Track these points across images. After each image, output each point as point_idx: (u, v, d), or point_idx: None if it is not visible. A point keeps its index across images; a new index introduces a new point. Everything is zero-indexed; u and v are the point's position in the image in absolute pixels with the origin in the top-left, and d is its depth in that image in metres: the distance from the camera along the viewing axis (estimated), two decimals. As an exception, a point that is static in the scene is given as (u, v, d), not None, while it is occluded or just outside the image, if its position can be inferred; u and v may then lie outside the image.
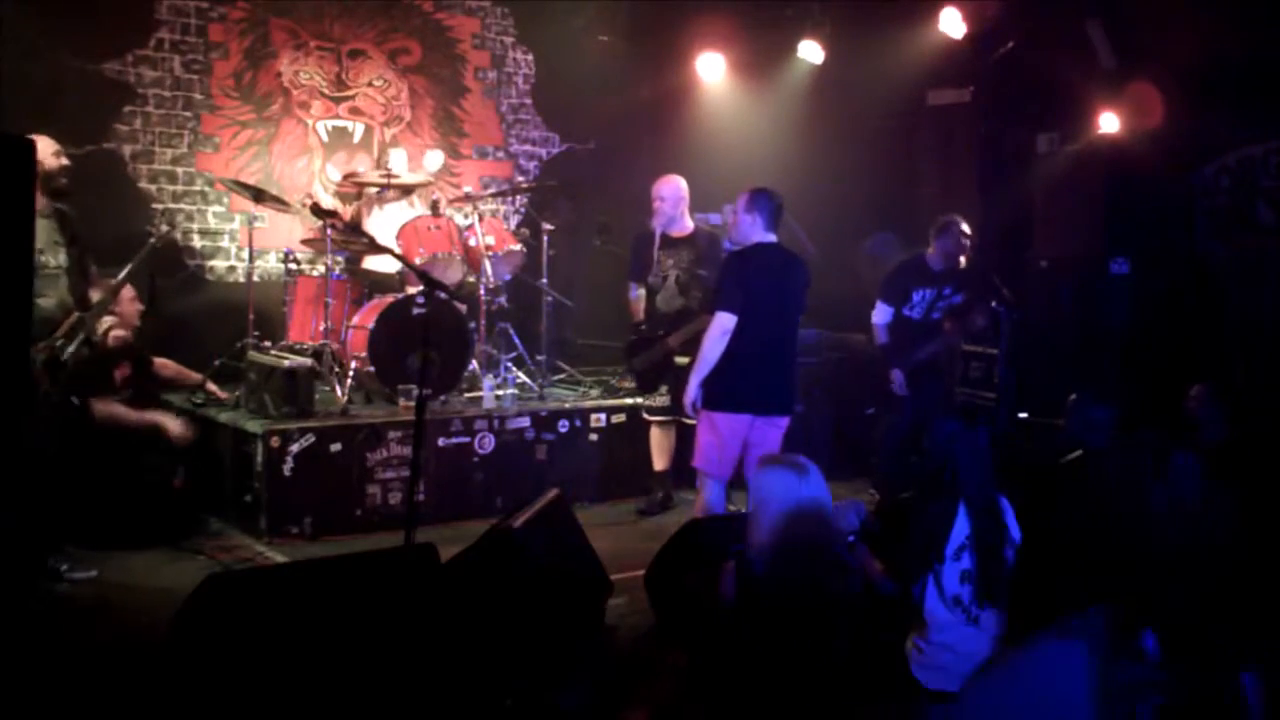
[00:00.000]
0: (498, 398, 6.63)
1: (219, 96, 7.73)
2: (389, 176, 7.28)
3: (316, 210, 6.46)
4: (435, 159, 7.91)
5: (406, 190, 7.57)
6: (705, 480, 5.09)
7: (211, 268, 7.79)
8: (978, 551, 3.46)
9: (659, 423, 6.47)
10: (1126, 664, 1.78)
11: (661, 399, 6.36)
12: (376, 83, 8.29)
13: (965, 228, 6.48)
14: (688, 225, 6.42)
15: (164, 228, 6.09)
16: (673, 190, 6.36)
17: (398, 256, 5.89)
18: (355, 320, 6.62)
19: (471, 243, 7.05)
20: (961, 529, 3.49)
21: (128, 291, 5.84)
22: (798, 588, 3.24)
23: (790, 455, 3.46)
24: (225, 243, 7.83)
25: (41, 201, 4.73)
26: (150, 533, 5.59)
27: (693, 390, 4.98)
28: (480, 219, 7.13)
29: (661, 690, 3.44)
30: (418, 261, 6.61)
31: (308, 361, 6.21)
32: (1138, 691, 1.80)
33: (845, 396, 7.67)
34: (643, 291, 6.52)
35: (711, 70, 8.41)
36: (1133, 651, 1.82)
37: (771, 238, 5.05)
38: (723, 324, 4.86)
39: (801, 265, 5.24)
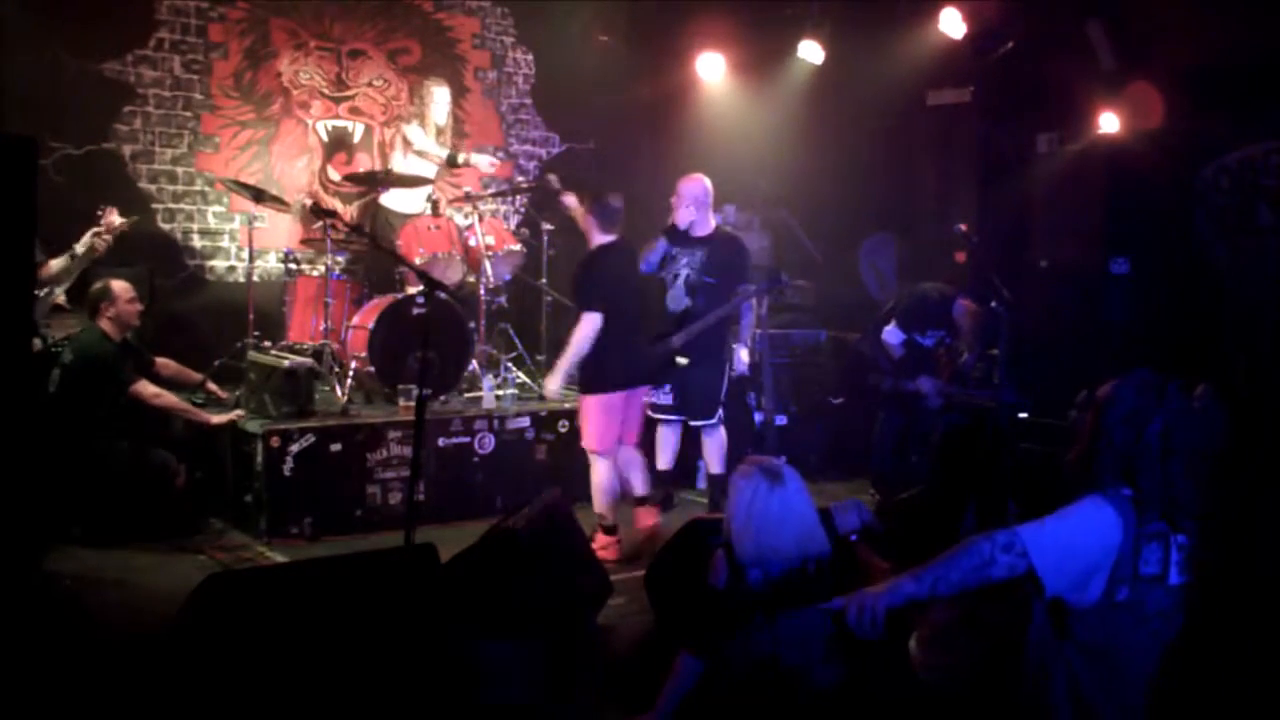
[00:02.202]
0: (498, 398, 6.63)
1: (219, 96, 7.73)
2: (388, 174, 7.28)
3: (317, 210, 6.46)
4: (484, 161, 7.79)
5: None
6: (596, 460, 5.61)
7: (211, 268, 7.79)
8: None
9: (664, 421, 6.47)
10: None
11: (665, 398, 6.36)
12: (376, 83, 8.29)
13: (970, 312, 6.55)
14: (708, 227, 6.37)
15: (115, 220, 5.96)
16: (690, 189, 6.26)
17: (398, 257, 5.89)
18: (355, 320, 6.62)
19: (471, 243, 7.05)
20: (968, 526, 3.50)
21: (126, 291, 5.84)
22: (779, 584, 3.25)
23: (767, 460, 3.45)
24: (225, 243, 7.83)
25: None
26: (151, 532, 5.59)
27: (560, 381, 5.58)
28: (480, 219, 7.12)
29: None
30: (418, 261, 6.61)
31: (308, 361, 6.20)
32: (1149, 538, 2.56)
33: (845, 396, 7.67)
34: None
35: (711, 70, 8.40)
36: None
37: (609, 237, 5.68)
38: (594, 323, 5.46)
39: (634, 251, 5.93)
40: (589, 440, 5.62)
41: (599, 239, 5.68)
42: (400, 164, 7.50)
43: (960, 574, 2.54)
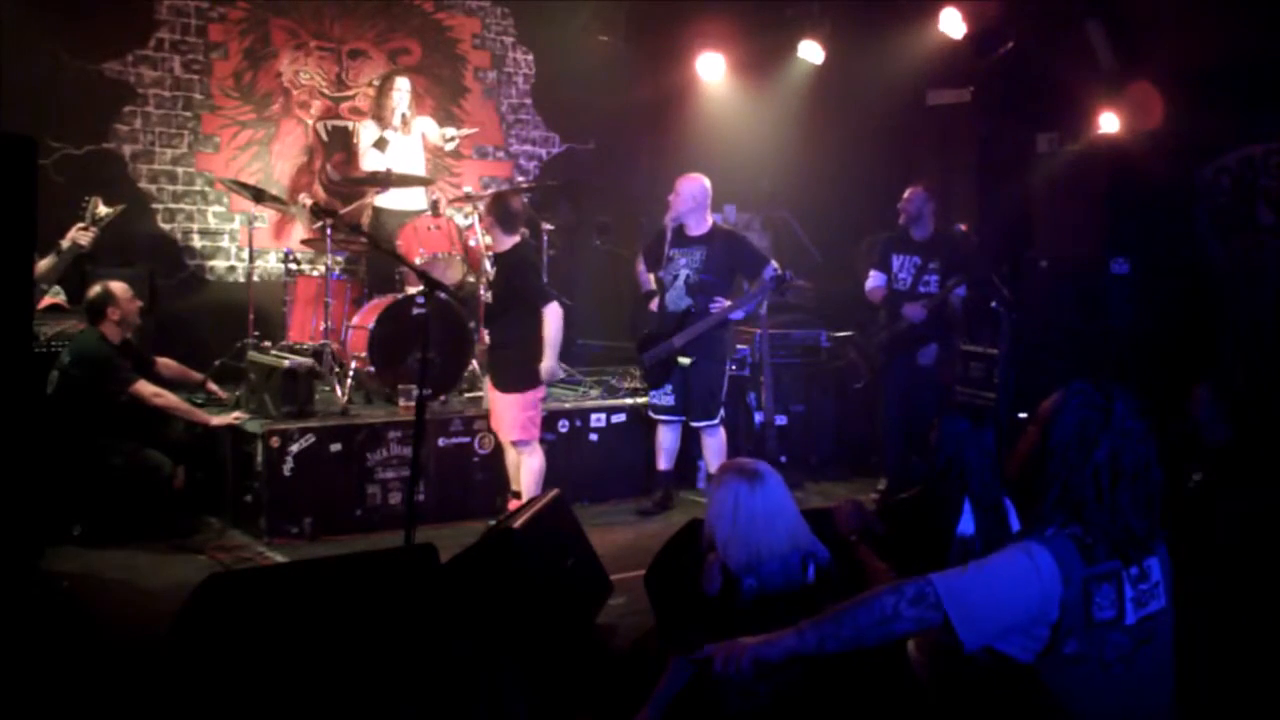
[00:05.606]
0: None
1: (219, 96, 7.73)
2: (388, 174, 7.27)
3: (317, 210, 6.45)
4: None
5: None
6: (534, 448, 5.75)
7: (211, 268, 7.80)
8: (982, 550, 3.46)
9: (665, 422, 6.47)
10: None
11: (666, 398, 6.36)
12: (376, 83, 8.28)
13: (920, 191, 6.53)
14: (705, 225, 6.39)
15: (100, 210, 5.96)
16: (688, 187, 6.31)
17: (398, 257, 5.88)
18: (355, 320, 6.61)
19: (471, 243, 7.05)
20: (966, 527, 3.49)
21: (125, 291, 5.85)
22: (775, 591, 3.23)
23: (747, 462, 3.43)
24: (225, 243, 7.83)
25: None
26: (150, 532, 5.59)
27: (557, 370, 5.75)
28: (480, 219, 7.12)
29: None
30: (418, 261, 6.60)
31: (308, 361, 6.20)
32: (1099, 580, 2.35)
33: (845, 395, 7.68)
34: (652, 276, 6.52)
35: (711, 70, 8.41)
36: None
37: (516, 238, 5.73)
38: (559, 311, 5.58)
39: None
40: (529, 431, 5.72)
41: (509, 241, 5.71)
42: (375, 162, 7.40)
43: (855, 630, 2.33)
